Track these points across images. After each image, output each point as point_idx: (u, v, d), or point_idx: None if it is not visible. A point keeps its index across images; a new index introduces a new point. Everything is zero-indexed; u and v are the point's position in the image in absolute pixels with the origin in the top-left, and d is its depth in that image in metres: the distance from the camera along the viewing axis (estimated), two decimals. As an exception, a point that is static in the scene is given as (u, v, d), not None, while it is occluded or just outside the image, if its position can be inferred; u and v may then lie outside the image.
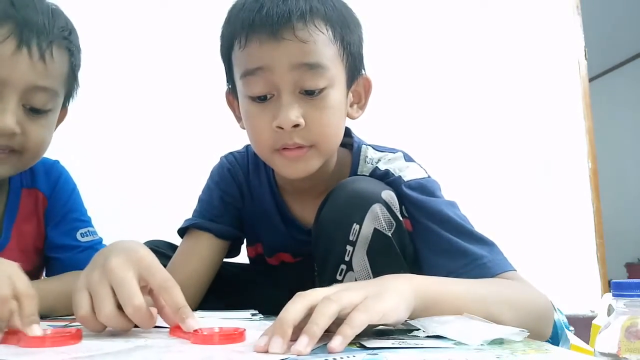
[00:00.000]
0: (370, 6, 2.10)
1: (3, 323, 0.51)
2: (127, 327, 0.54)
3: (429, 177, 0.82)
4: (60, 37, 0.76)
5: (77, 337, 0.51)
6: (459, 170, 2.04)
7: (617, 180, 4.24)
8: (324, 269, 0.77)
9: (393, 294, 0.52)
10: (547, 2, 2.23)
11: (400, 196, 0.77)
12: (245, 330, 0.52)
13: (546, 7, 2.22)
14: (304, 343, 0.45)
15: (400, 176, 0.80)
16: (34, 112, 0.76)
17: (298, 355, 0.44)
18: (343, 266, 0.73)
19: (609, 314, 0.71)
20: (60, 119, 0.87)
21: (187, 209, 0.95)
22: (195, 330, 0.52)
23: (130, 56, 1.92)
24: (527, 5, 2.21)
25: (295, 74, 0.74)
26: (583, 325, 0.98)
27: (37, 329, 0.51)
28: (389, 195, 0.75)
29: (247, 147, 0.96)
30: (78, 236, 0.90)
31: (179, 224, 0.93)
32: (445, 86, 2.13)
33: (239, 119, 0.86)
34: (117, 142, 1.90)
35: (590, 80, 2.34)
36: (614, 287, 0.48)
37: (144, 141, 1.90)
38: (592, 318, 0.97)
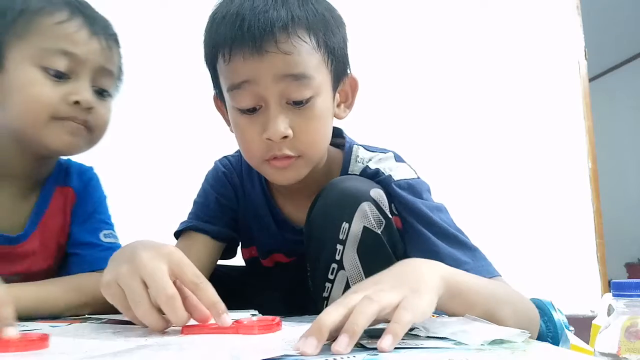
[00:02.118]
0: (371, 6, 2.10)
1: None
2: (162, 325, 0.54)
3: (418, 178, 0.83)
4: (113, 32, 0.88)
5: (43, 340, 0.49)
6: (459, 170, 2.05)
7: (617, 180, 4.24)
8: (315, 268, 0.77)
9: (428, 290, 0.52)
10: (547, 2, 2.23)
11: (390, 194, 0.78)
12: (281, 320, 0.54)
13: (546, 7, 2.22)
14: (345, 343, 0.43)
15: (390, 175, 0.81)
16: (100, 94, 0.85)
17: (303, 355, 0.43)
18: (334, 265, 0.74)
19: (609, 314, 0.71)
20: None
21: (180, 214, 0.96)
22: (237, 321, 0.54)
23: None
24: (527, 5, 2.21)
25: (280, 86, 0.74)
26: (583, 325, 0.98)
27: (13, 330, 0.50)
28: (377, 193, 0.75)
29: (239, 150, 0.97)
30: (101, 236, 0.93)
31: (173, 228, 0.93)
32: (446, 86, 2.13)
33: (228, 122, 0.87)
34: (108, 146, 1.89)
35: (590, 80, 2.34)
36: (614, 287, 0.48)
37: (136, 145, 1.90)
38: (592, 318, 0.97)
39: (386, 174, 0.81)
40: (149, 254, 0.55)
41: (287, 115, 0.75)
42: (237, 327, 0.52)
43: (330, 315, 0.46)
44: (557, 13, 2.22)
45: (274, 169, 0.79)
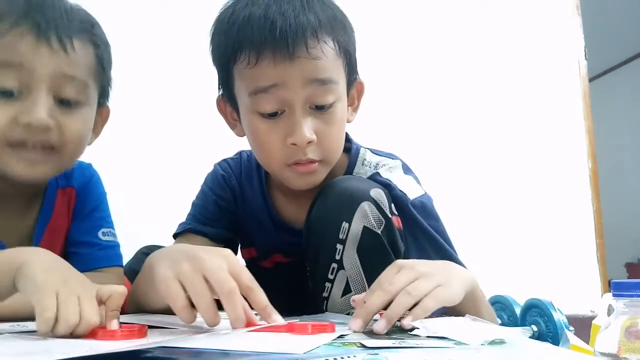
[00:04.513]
0: (371, 7, 2.10)
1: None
2: (217, 320, 0.55)
3: (425, 193, 0.85)
4: (80, 29, 0.76)
5: (142, 331, 0.52)
6: (459, 170, 2.04)
7: (617, 180, 4.24)
8: (315, 268, 0.77)
9: (458, 281, 0.62)
10: (547, 2, 2.22)
11: (405, 215, 0.80)
12: (335, 324, 0.57)
13: (546, 7, 2.22)
14: (383, 326, 0.54)
15: (405, 194, 0.82)
16: (66, 105, 0.75)
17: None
18: (334, 265, 0.74)
19: (609, 314, 0.71)
20: (104, 119, 0.89)
21: (178, 216, 0.96)
22: (290, 323, 0.57)
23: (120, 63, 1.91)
24: (527, 5, 2.21)
25: (308, 90, 0.74)
26: (583, 325, 0.98)
27: (115, 323, 0.53)
28: (377, 193, 0.76)
29: (239, 153, 0.98)
30: (100, 234, 0.90)
31: (171, 230, 0.93)
32: (445, 86, 2.13)
33: (232, 125, 0.87)
34: (106, 147, 1.88)
35: (590, 80, 2.34)
36: (614, 287, 0.48)
37: (135, 147, 1.89)
38: (592, 318, 0.97)
39: (399, 190, 0.82)
40: (209, 254, 0.56)
41: (311, 120, 0.76)
42: (291, 327, 0.55)
43: (376, 303, 0.57)
44: (557, 13, 2.22)
45: (297, 174, 0.79)
